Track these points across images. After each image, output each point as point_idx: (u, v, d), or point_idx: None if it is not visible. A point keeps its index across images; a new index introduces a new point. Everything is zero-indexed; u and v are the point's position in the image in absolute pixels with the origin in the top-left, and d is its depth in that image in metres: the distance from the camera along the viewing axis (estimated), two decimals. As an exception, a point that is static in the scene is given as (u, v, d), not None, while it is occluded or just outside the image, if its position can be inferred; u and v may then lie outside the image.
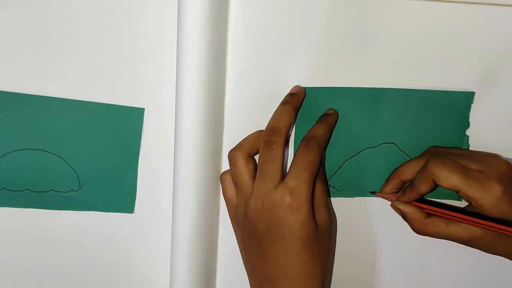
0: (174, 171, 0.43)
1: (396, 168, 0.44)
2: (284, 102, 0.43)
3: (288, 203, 0.39)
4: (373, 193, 0.45)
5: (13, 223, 0.46)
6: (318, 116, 0.44)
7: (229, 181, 0.44)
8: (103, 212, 0.46)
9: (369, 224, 0.47)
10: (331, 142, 0.44)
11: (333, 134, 0.44)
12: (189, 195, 0.43)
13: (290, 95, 0.43)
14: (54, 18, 0.43)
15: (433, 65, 0.44)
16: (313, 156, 0.40)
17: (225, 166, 0.45)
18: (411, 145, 0.45)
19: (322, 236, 0.41)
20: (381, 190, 0.45)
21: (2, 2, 0.43)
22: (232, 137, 0.45)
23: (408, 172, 0.43)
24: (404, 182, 0.44)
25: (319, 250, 0.41)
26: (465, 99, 0.44)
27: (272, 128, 0.42)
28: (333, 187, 0.46)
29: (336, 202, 0.46)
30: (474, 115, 0.45)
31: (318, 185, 0.42)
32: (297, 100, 0.43)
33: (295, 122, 0.44)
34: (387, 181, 0.45)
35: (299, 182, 0.40)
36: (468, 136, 0.45)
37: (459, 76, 0.44)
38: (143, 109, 0.45)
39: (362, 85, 0.44)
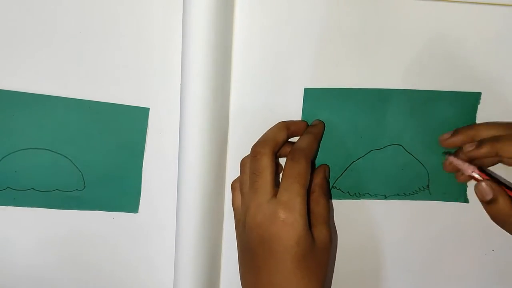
0: (178, 171, 0.43)
1: (472, 125, 0.43)
2: (278, 122, 0.43)
3: (282, 219, 0.38)
4: (446, 154, 0.43)
5: (17, 222, 0.46)
6: (324, 118, 0.44)
7: (238, 189, 0.44)
8: (108, 212, 0.46)
9: (374, 227, 0.46)
10: (338, 144, 0.44)
11: (339, 136, 0.44)
12: (194, 195, 0.43)
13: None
14: (60, 17, 0.43)
15: (440, 65, 0.44)
16: (300, 168, 0.39)
17: (229, 166, 0.45)
18: (418, 146, 0.45)
19: (319, 253, 0.40)
20: (446, 140, 0.43)
21: (7, 2, 0.43)
22: (237, 137, 0.44)
23: (485, 132, 0.41)
24: (472, 140, 0.42)
25: (315, 267, 0.39)
26: (471, 100, 0.44)
27: (259, 141, 0.42)
28: (339, 189, 0.45)
29: (342, 205, 0.46)
30: (481, 115, 0.45)
31: (320, 200, 0.42)
32: (292, 123, 0.43)
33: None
34: (457, 132, 0.43)
35: (291, 196, 0.38)
36: None
37: (465, 77, 0.44)
38: (148, 108, 0.45)
39: (368, 86, 0.44)
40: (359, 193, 0.45)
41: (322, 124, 0.44)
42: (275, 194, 0.39)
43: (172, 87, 0.44)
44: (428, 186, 0.45)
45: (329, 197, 0.43)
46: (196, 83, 0.41)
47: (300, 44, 0.43)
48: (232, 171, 0.45)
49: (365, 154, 0.45)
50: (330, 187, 0.45)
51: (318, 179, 0.43)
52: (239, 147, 0.45)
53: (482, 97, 0.44)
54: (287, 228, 0.38)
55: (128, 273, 0.47)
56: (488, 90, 0.44)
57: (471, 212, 0.45)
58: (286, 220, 0.38)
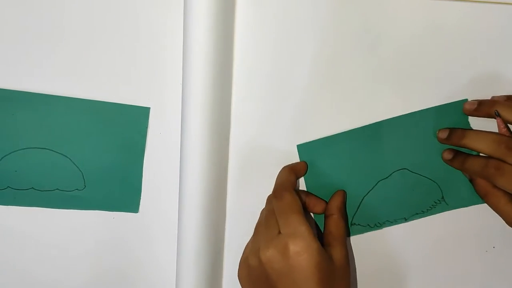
0: (180, 171, 0.43)
1: (494, 100, 0.43)
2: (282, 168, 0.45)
3: (296, 251, 0.38)
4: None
5: (17, 222, 0.46)
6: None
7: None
8: (108, 212, 0.46)
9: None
10: (345, 185, 0.45)
11: (346, 174, 0.44)
12: (195, 195, 0.43)
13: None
14: (61, 17, 0.43)
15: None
16: (287, 201, 0.40)
17: (231, 166, 0.45)
18: (422, 164, 0.45)
19: (340, 273, 0.40)
20: (470, 110, 0.43)
21: (8, 2, 0.43)
22: (238, 137, 0.44)
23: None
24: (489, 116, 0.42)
25: (340, 286, 0.39)
26: (460, 108, 0.44)
27: (276, 187, 0.43)
28: (358, 224, 0.45)
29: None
30: (474, 119, 0.44)
31: (339, 222, 0.42)
32: (294, 165, 0.45)
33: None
34: (481, 104, 0.43)
35: (294, 227, 0.39)
36: None
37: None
38: (149, 108, 0.45)
39: (368, 83, 0.44)
40: (379, 223, 0.46)
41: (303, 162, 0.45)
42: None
43: (173, 86, 0.44)
44: (443, 197, 0.45)
45: (342, 216, 0.44)
46: (197, 83, 0.41)
47: (302, 43, 0.43)
48: (234, 170, 0.45)
49: (374, 186, 0.45)
50: (349, 224, 0.45)
51: (337, 202, 0.44)
52: (241, 146, 0.45)
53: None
54: (303, 257, 0.38)
55: (129, 273, 0.47)
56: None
57: (471, 210, 0.45)
58: (300, 250, 0.38)
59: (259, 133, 0.45)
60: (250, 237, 0.43)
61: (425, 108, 0.44)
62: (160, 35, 0.44)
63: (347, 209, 0.45)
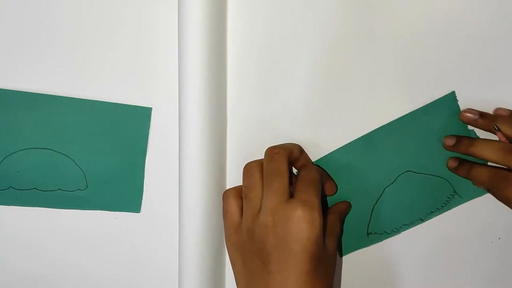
0: (179, 171, 0.43)
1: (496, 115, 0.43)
2: None
3: (303, 216, 0.38)
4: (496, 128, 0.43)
5: (20, 222, 0.46)
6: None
7: (233, 195, 0.43)
8: (110, 212, 0.46)
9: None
10: (356, 196, 0.45)
11: (352, 188, 0.45)
12: (195, 195, 0.43)
13: None
14: (62, 18, 0.44)
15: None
16: (315, 176, 0.41)
17: (229, 164, 0.45)
18: (426, 163, 0.45)
19: (329, 262, 0.40)
20: (470, 119, 0.43)
21: (9, 1, 0.43)
22: (235, 135, 0.45)
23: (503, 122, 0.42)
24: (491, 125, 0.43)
25: (326, 274, 0.39)
26: (449, 102, 0.44)
27: (276, 146, 0.42)
28: (375, 233, 0.45)
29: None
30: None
31: (336, 222, 0.43)
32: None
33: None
34: (483, 116, 0.43)
35: (309, 196, 0.39)
36: (473, 130, 0.45)
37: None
38: (151, 108, 0.45)
39: (369, 84, 0.44)
40: (396, 228, 0.46)
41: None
42: (291, 195, 0.39)
43: (175, 87, 0.44)
44: (455, 191, 0.45)
45: (341, 219, 0.44)
46: (193, 85, 0.42)
47: (297, 42, 0.44)
48: (232, 168, 0.45)
49: (382, 194, 0.45)
50: (366, 234, 0.46)
51: (341, 207, 0.45)
52: (238, 144, 0.45)
53: (460, 95, 0.44)
54: (306, 225, 0.38)
55: (130, 273, 0.47)
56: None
57: (475, 203, 0.45)
58: (305, 217, 0.38)
59: (255, 133, 0.45)
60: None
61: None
62: (162, 35, 0.44)
63: (359, 220, 0.45)
